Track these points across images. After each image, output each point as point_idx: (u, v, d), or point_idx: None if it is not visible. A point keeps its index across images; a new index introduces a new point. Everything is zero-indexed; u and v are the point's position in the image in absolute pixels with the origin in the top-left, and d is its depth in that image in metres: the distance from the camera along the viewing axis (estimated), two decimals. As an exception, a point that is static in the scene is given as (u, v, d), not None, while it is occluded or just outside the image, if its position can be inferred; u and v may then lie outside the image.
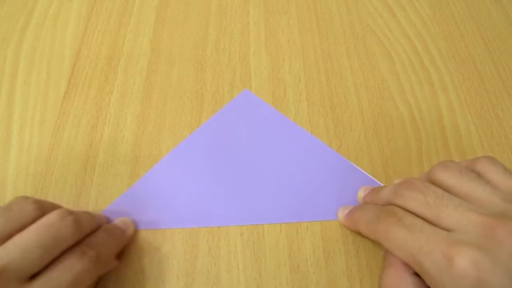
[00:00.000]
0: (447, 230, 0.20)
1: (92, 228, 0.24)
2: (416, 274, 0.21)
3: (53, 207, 0.22)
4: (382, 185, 0.28)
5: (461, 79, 0.35)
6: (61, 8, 0.39)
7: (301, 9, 0.39)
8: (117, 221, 0.27)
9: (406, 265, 0.21)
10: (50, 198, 0.28)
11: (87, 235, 0.23)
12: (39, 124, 0.32)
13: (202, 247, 0.26)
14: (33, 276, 0.20)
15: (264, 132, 0.31)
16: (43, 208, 0.22)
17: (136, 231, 0.27)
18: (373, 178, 0.28)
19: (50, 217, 0.21)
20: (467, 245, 0.18)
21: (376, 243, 0.26)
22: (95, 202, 0.28)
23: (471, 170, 0.22)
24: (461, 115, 0.32)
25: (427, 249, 0.19)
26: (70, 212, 0.22)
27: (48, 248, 0.20)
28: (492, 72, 0.35)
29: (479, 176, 0.22)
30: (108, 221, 0.27)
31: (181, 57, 0.35)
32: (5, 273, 0.18)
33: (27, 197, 0.22)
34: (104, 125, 0.31)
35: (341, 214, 0.27)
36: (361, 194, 0.27)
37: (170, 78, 0.34)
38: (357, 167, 0.29)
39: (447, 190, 0.21)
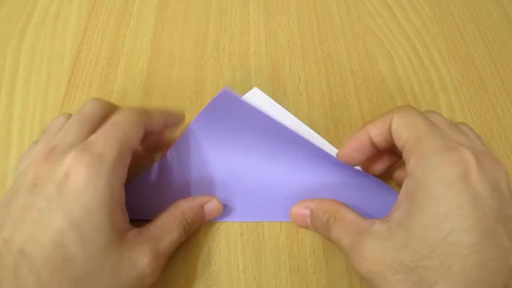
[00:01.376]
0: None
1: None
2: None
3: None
4: (388, 186, 0.28)
5: (461, 79, 0.35)
6: (61, 8, 0.39)
7: (301, 9, 0.39)
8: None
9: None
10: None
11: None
12: (39, 124, 0.31)
13: (202, 247, 0.26)
14: None
15: (270, 129, 0.31)
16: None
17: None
18: (375, 178, 0.28)
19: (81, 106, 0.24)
20: (470, 149, 0.20)
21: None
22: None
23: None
24: (461, 115, 0.32)
25: (437, 134, 0.21)
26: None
27: (82, 120, 0.23)
28: (492, 72, 0.35)
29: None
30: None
31: (181, 57, 0.35)
32: (57, 147, 0.21)
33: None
34: (104, 125, 0.31)
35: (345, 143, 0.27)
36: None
37: (170, 78, 0.34)
38: (360, 169, 0.28)
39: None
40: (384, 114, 0.24)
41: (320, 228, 0.24)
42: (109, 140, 0.21)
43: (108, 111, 0.24)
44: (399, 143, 0.22)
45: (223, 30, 0.37)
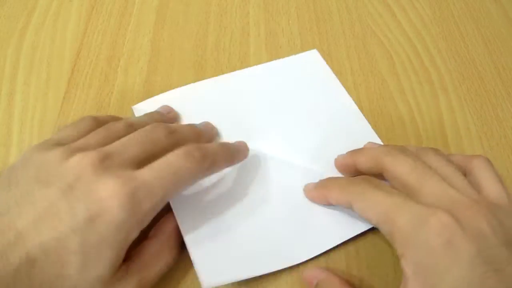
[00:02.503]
0: (423, 202, 0.21)
1: (192, 137, 0.26)
2: None
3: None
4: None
5: (461, 79, 0.35)
6: (61, 8, 0.39)
7: (301, 9, 0.39)
8: (235, 142, 0.27)
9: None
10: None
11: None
12: (39, 124, 0.31)
13: (202, 247, 0.26)
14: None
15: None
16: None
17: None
18: None
19: (147, 127, 0.24)
20: (443, 210, 0.20)
21: (377, 244, 0.26)
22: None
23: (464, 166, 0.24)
24: (461, 115, 0.32)
25: (404, 207, 0.21)
26: (167, 126, 0.24)
27: (145, 143, 0.22)
28: (492, 72, 0.35)
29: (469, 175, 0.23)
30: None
31: (181, 57, 0.35)
32: (111, 158, 0.21)
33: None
34: (104, 125, 0.31)
35: (310, 187, 0.27)
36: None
37: (170, 78, 0.34)
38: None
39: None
40: (343, 192, 0.24)
41: None
42: (155, 189, 0.20)
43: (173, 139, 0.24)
44: (371, 223, 0.23)
45: (223, 30, 0.37)
